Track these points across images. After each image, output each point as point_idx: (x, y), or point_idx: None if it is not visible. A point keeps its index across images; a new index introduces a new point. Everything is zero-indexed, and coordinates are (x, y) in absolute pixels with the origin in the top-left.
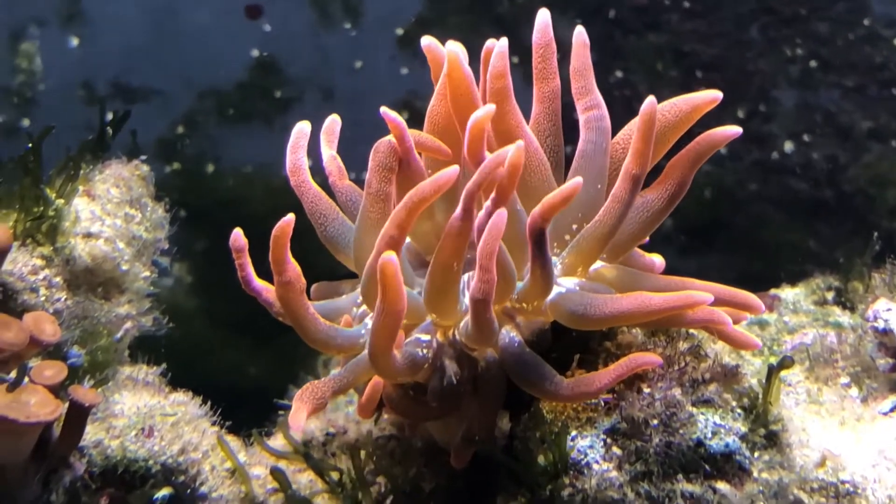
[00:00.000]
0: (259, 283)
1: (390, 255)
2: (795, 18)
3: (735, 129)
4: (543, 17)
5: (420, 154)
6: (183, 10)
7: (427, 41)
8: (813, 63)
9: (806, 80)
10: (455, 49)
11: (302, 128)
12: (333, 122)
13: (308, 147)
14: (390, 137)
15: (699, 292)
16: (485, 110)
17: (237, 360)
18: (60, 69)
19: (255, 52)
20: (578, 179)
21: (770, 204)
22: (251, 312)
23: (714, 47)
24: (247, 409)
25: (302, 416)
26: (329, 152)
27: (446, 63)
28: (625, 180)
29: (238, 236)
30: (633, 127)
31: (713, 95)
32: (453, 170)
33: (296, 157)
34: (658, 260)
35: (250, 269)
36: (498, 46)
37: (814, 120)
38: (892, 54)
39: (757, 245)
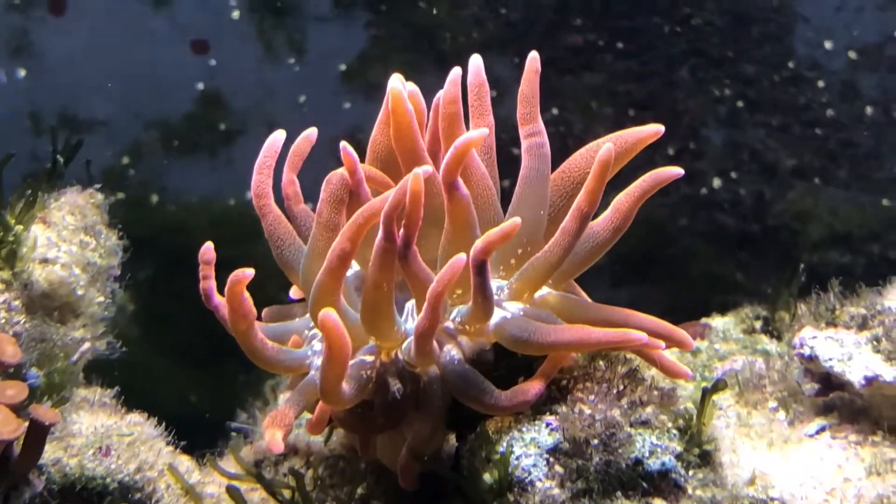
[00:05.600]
0: (219, 298)
1: (328, 311)
2: (723, 60)
3: (678, 171)
4: (476, 61)
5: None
6: (130, 43)
7: (394, 80)
8: (740, 103)
9: (733, 119)
10: (398, 86)
11: (273, 143)
12: (305, 143)
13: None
14: (342, 170)
15: (635, 332)
16: (478, 133)
17: (179, 387)
18: (7, 100)
19: (201, 86)
20: (517, 220)
21: (699, 237)
22: (192, 341)
23: (646, 87)
24: (191, 434)
25: (279, 436)
26: (289, 175)
27: (389, 99)
28: (575, 217)
29: (209, 249)
30: (579, 158)
31: (655, 129)
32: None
33: (261, 178)
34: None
35: (213, 284)
36: (451, 74)
37: (741, 157)
38: (816, 95)
39: (687, 277)
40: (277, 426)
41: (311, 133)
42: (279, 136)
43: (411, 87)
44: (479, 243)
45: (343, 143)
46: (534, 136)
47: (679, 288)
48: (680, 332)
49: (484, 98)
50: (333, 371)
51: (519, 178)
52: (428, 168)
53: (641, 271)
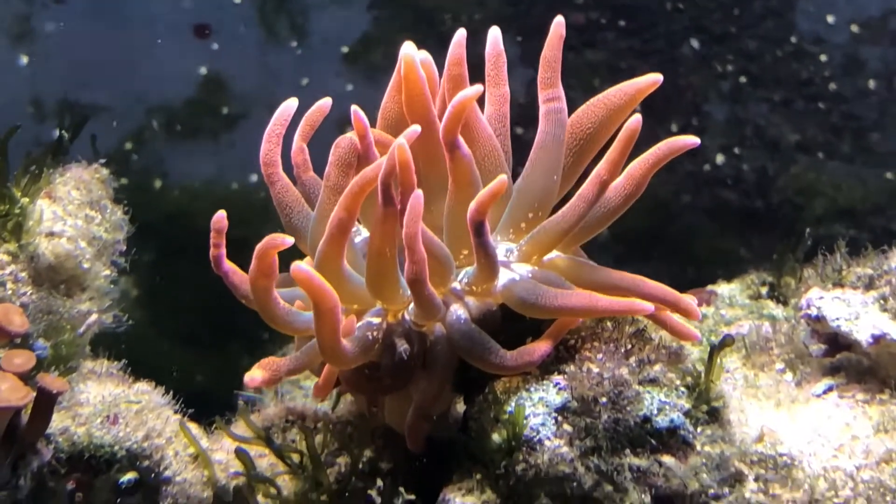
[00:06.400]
0: (229, 264)
1: (297, 264)
2: (726, 36)
3: (694, 139)
4: (494, 32)
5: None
6: (132, 28)
7: (406, 47)
8: (743, 78)
9: (736, 94)
10: (410, 52)
11: (284, 111)
12: (318, 113)
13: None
14: (351, 134)
15: (641, 302)
16: (473, 89)
17: (183, 369)
18: (10, 87)
19: (203, 70)
20: (503, 177)
21: (703, 214)
22: (197, 324)
23: (648, 64)
24: (198, 411)
25: (258, 375)
26: (299, 143)
27: (401, 65)
28: (594, 184)
29: (221, 217)
30: (583, 115)
31: (653, 78)
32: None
33: (269, 146)
34: None
35: (223, 251)
36: (456, 36)
37: (744, 133)
38: (818, 70)
39: (690, 253)
40: (262, 368)
41: (325, 103)
42: (291, 104)
43: (424, 54)
44: (472, 205)
45: (354, 108)
46: (553, 100)
47: (683, 264)
48: (687, 300)
49: (501, 68)
50: (325, 325)
51: (535, 142)
52: (416, 129)
53: (645, 248)
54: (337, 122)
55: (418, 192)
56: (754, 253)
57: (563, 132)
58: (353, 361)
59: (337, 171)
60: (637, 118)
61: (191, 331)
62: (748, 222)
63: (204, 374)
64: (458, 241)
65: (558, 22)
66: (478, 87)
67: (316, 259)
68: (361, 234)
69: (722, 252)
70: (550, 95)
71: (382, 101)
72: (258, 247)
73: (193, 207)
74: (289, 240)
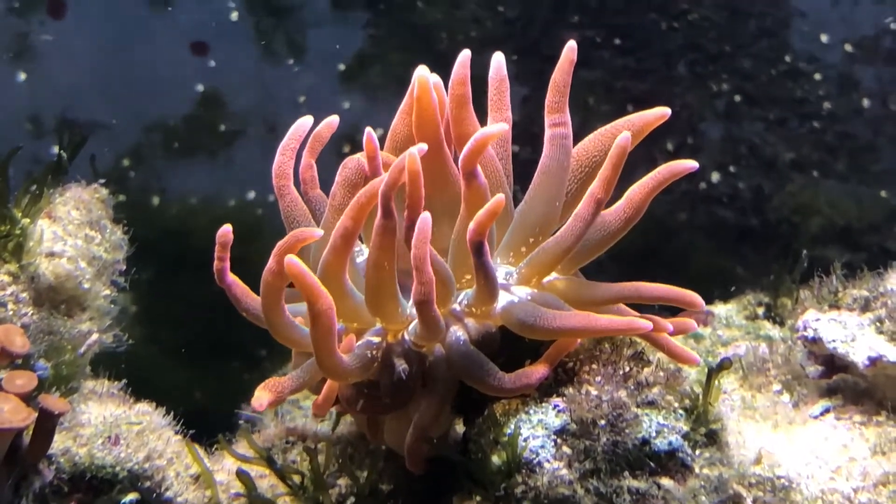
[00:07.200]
0: (232, 277)
1: (291, 257)
2: (720, 55)
3: (692, 164)
4: (498, 58)
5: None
6: (130, 45)
7: (420, 70)
8: (737, 97)
9: (731, 113)
10: (425, 75)
11: (300, 126)
12: (326, 129)
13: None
14: (359, 156)
15: (640, 319)
16: (498, 128)
17: (182, 387)
18: (8, 104)
19: (201, 87)
20: (500, 196)
21: (699, 232)
22: (195, 341)
23: (644, 83)
24: (197, 431)
25: (265, 399)
26: (307, 160)
27: (415, 88)
28: (589, 203)
29: (227, 231)
30: (590, 144)
31: (661, 112)
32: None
33: (283, 159)
34: None
35: (227, 263)
36: (461, 56)
37: (739, 152)
38: (813, 89)
39: (687, 272)
40: (267, 390)
41: (333, 120)
42: (306, 121)
43: (435, 78)
44: (471, 226)
45: (368, 129)
46: (559, 126)
47: (680, 283)
48: (691, 294)
49: (504, 94)
50: (321, 326)
51: (539, 166)
52: (423, 146)
53: (642, 267)
54: (333, 140)
55: (426, 215)
56: (750, 271)
57: (567, 159)
58: (349, 375)
59: (343, 191)
60: (626, 135)
61: (189, 348)
62: (744, 240)
63: (202, 391)
64: (463, 265)
65: (570, 47)
66: (502, 126)
67: (319, 271)
68: (363, 253)
69: (718, 270)
70: (557, 120)
71: (392, 123)
72: (281, 243)
73: (191, 224)
74: (318, 232)
